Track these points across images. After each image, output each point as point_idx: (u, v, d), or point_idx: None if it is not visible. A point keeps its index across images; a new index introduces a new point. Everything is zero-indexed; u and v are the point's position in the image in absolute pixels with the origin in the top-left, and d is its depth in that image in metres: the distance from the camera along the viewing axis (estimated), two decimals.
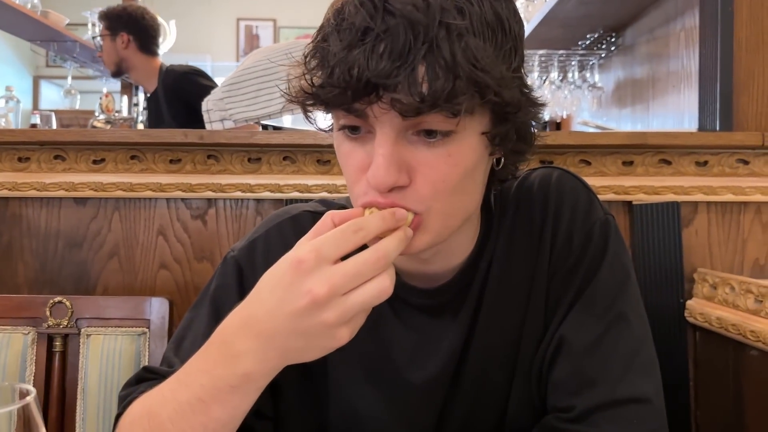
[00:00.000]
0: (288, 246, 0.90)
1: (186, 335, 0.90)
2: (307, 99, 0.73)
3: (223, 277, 0.91)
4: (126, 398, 0.85)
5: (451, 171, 0.73)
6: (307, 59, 0.73)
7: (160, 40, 3.30)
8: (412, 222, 0.74)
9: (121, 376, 1.38)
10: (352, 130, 0.74)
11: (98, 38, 3.23)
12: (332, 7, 0.73)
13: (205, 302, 0.91)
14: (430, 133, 0.71)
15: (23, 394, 0.58)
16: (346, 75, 0.67)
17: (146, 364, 1.37)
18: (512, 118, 0.74)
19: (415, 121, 0.70)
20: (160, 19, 3.38)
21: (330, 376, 0.91)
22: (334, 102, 0.71)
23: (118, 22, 3.08)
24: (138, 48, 3.10)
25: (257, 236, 0.93)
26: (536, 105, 0.79)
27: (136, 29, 3.09)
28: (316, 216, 0.92)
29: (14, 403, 0.56)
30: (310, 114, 0.79)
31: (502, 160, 0.82)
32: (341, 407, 0.91)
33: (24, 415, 0.56)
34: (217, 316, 0.87)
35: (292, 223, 0.93)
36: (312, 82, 0.71)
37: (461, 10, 0.68)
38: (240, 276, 0.90)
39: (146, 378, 0.87)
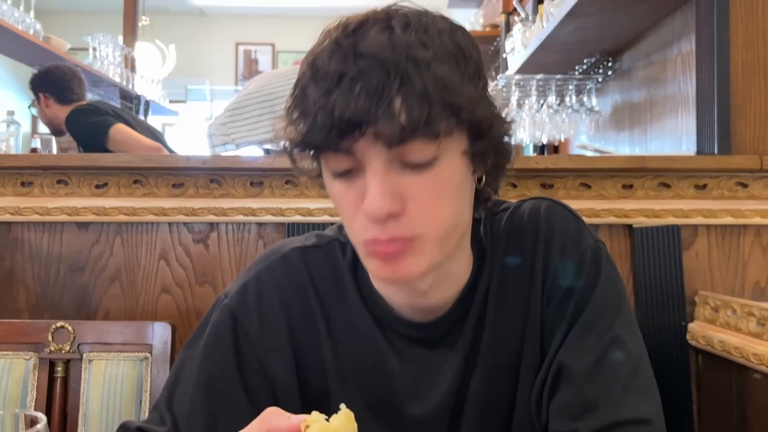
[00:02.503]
0: (279, 286, 0.92)
1: (178, 383, 0.89)
2: (296, 147, 0.76)
3: (217, 326, 0.90)
4: None
5: (441, 194, 0.76)
6: (290, 111, 0.76)
7: (77, 86, 3.30)
8: (403, 247, 0.76)
9: (123, 402, 1.38)
10: (346, 175, 0.76)
11: (32, 107, 3.37)
12: (305, 61, 0.77)
13: (199, 346, 0.91)
14: (416, 165, 0.74)
15: (32, 422, 0.57)
16: (328, 117, 0.70)
17: (149, 393, 1.38)
18: (487, 134, 0.77)
19: (400, 152, 0.72)
20: (79, 67, 3.46)
21: (332, 411, 0.92)
22: (321, 145, 0.74)
23: (34, 86, 3.23)
24: (57, 102, 3.20)
25: (248, 279, 0.93)
26: (505, 122, 0.82)
27: (49, 86, 3.20)
28: (305, 251, 0.94)
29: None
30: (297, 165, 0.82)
31: (484, 178, 0.84)
32: None
33: None
34: (209, 365, 0.88)
35: (282, 262, 0.93)
36: (298, 131, 0.75)
37: (425, 44, 0.72)
38: (234, 324, 0.90)
39: (143, 431, 0.87)
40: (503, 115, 0.83)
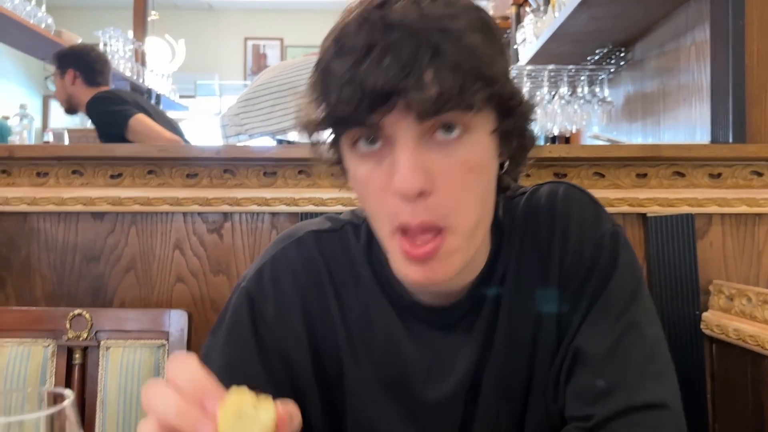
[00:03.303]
0: (294, 271, 0.91)
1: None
2: (320, 124, 0.75)
3: (236, 309, 0.91)
4: None
5: (469, 177, 0.75)
6: (311, 91, 0.76)
7: (107, 72, 3.32)
8: (436, 241, 0.75)
9: (140, 388, 1.38)
10: (370, 143, 0.75)
11: (50, 78, 3.33)
12: (327, 39, 0.75)
13: (221, 332, 0.91)
14: (448, 129, 0.73)
15: (56, 399, 0.56)
16: (357, 89, 0.69)
17: (165, 376, 1.38)
18: (515, 112, 0.77)
19: (431, 126, 0.72)
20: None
21: (347, 394, 0.91)
22: (349, 120, 0.72)
23: (65, 60, 3.18)
24: (84, 82, 3.18)
25: (264, 263, 0.93)
26: (528, 105, 0.82)
27: (81, 65, 3.17)
28: (320, 235, 0.94)
29: (51, 407, 0.55)
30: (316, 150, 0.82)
31: (506, 164, 0.84)
32: (361, 425, 0.91)
33: (60, 421, 0.55)
34: (230, 349, 0.89)
35: (297, 246, 0.93)
36: (321, 109, 0.74)
37: (455, 16, 0.71)
38: (251, 307, 0.90)
39: None
40: (526, 99, 0.83)
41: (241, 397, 0.57)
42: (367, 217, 0.83)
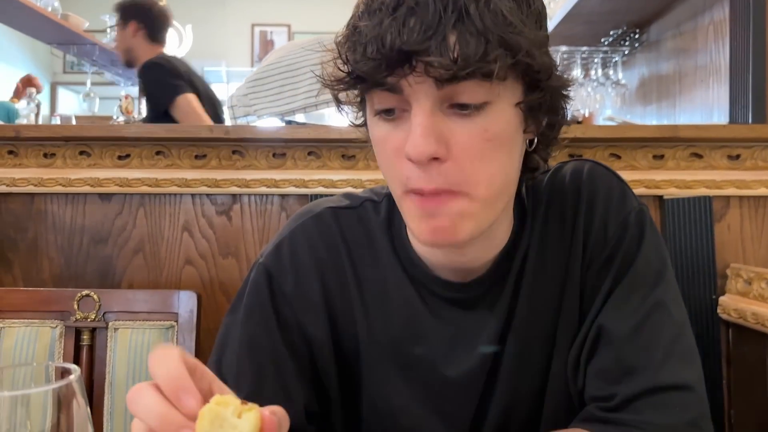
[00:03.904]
0: (313, 246, 0.91)
1: (225, 347, 0.90)
2: (343, 80, 0.74)
3: (255, 285, 0.92)
4: None
5: (489, 144, 0.74)
6: (339, 46, 0.74)
7: (167, 30, 3.26)
8: (444, 200, 0.74)
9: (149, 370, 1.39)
10: (387, 113, 0.75)
11: (111, 28, 3.29)
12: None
13: (240, 309, 0.92)
14: (463, 107, 0.72)
15: (63, 373, 0.56)
16: (380, 46, 0.68)
17: None
18: (544, 85, 0.75)
19: (450, 92, 0.71)
20: (170, 14, 3.40)
21: (363, 370, 0.92)
22: (369, 77, 0.71)
23: (128, 11, 3.13)
24: (146, 36, 3.12)
25: (282, 238, 0.94)
26: (564, 81, 0.80)
27: (144, 18, 3.11)
28: (338, 212, 0.94)
29: (57, 381, 0.55)
30: (342, 106, 0.81)
31: (535, 141, 0.83)
32: (375, 402, 0.91)
33: (66, 396, 0.55)
34: (251, 324, 0.89)
35: (316, 222, 0.94)
36: (347, 61, 0.73)
37: None
38: (270, 282, 0.91)
39: None
40: (564, 77, 0.80)
41: (222, 403, 0.55)
42: (386, 180, 0.83)
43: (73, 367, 0.56)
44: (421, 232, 0.78)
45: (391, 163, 0.77)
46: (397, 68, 0.69)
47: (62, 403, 0.54)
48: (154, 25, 3.15)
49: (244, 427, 0.54)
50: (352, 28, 0.73)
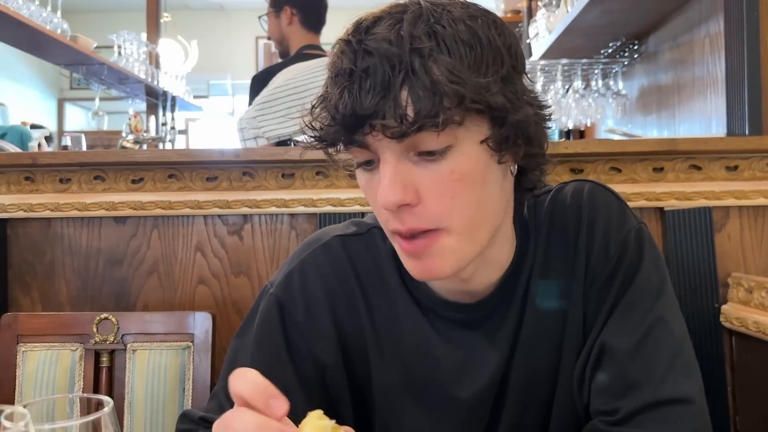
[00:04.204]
0: (323, 275, 0.92)
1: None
2: (316, 141, 0.78)
3: (266, 315, 0.92)
4: None
5: (458, 186, 0.75)
6: (314, 108, 0.78)
7: (323, 17, 2.93)
8: (425, 241, 0.76)
9: (167, 390, 1.41)
10: (367, 164, 0.77)
11: (263, 17, 3.00)
12: (331, 57, 0.78)
13: (250, 334, 0.92)
14: (428, 153, 0.74)
15: (98, 405, 0.58)
16: (340, 112, 0.72)
17: (191, 381, 1.40)
18: (507, 121, 0.76)
19: (411, 142, 0.73)
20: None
21: (375, 395, 0.92)
22: (336, 139, 0.75)
23: None
24: (301, 22, 2.85)
25: (292, 268, 0.94)
26: (537, 106, 0.81)
27: (299, 3, 2.84)
28: (346, 240, 0.95)
29: (92, 413, 0.56)
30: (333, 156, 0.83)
31: (517, 168, 0.84)
32: (389, 426, 0.92)
33: (99, 427, 0.56)
34: (261, 354, 0.90)
35: (325, 251, 0.94)
36: (320, 125, 0.76)
37: (432, 34, 0.72)
38: (281, 312, 0.91)
39: (207, 422, 0.88)
40: (537, 100, 0.81)
41: (322, 422, 0.61)
42: None
43: (106, 399, 0.57)
44: (410, 270, 0.81)
45: (375, 207, 0.80)
46: (358, 131, 0.72)
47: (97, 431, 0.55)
48: (310, 9, 2.88)
49: None
50: (324, 91, 0.77)
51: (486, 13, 0.78)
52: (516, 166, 0.83)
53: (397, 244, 0.80)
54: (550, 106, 0.85)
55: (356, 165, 0.79)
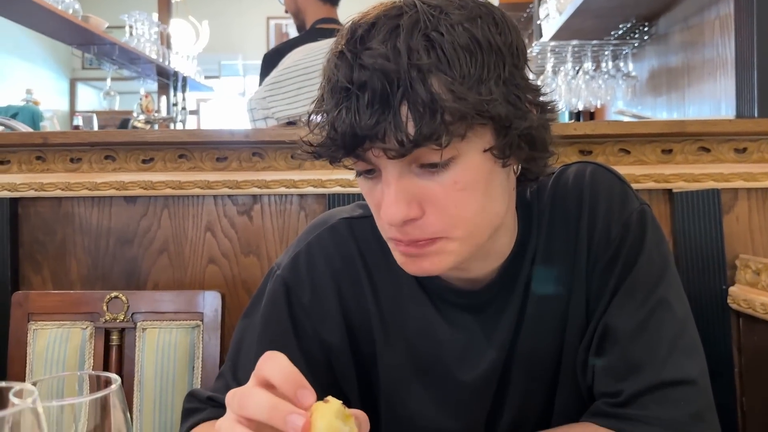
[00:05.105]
0: (328, 257, 0.92)
1: (240, 352, 0.92)
2: (314, 155, 0.76)
3: (272, 296, 0.92)
4: (194, 414, 0.90)
5: (462, 196, 0.74)
6: (310, 118, 0.77)
7: None
8: (424, 245, 0.76)
9: (176, 368, 1.42)
10: (368, 173, 0.76)
11: None
12: (326, 59, 0.76)
13: (257, 315, 0.93)
14: (431, 166, 0.72)
15: (106, 382, 0.58)
16: (339, 131, 0.70)
17: (200, 359, 1.41)
18: (511, 128, 0.74)
19: (413, 157, 0.71)
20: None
21: (381, 378, 0.93)
22: (334, 155, 0.73)
23: None
24: None
25: (299, 251, 0.94)
26: (542, 108, 0.80)
27: None
28: (352, 222, 0.95)
29: (100, 390, 0.57)
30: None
31: (521, 167, 0.83)
32: (394, 406, 0.92)
33: (107, 404, 0.57)
34: (268, 334, 0.90)
35: (331, 233, 0.94)
36: (318, 138, 0.75)
37: (431, 46, 0.69)
38: (287, 294, 0.92)
39: (214, 402, 0.90)
40: (540, 101, 0.80)
41: (336, 406, 0.61)
42: None
43: (114, 377, 0.58)
44: (402, 266, 0.80)
45: (376, 215, 0.79)
46: (356, 149, 0.70)
47: (105, 410, 0.56)
48: None
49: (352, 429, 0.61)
50: (321, 97, 0.75)
51: (485, 9, 0.75)
52: (520, 165, 0.82)
53: (393, 247, 0.79)
54: (554, 101, 0.84)
55: (357, 173, 0.78)
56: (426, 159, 0.72)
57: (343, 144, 0.71)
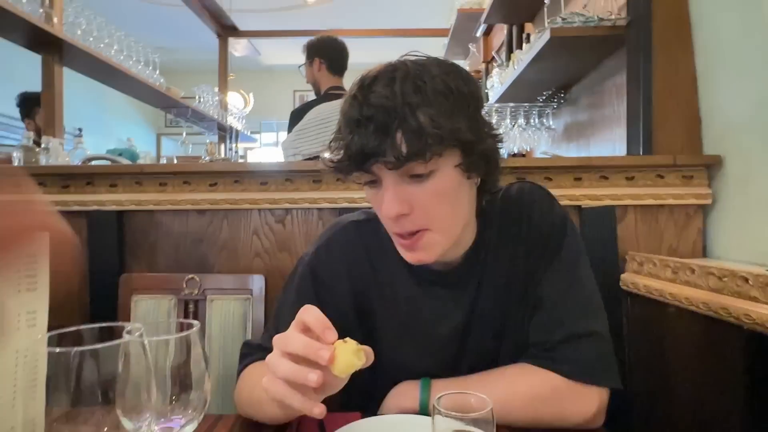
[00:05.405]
0: (342, 250, 0.92)
1: (280, 318, 0.90)
2: (333, 170, 0.77)
3: (302, 276, 0.92)
4: (247, 357, 0.89)
5: (439, 200, 0.75)
6: (332, 143, 0.77)
7: (345, 62, 2.78)
8: (416, 238, 0.76)
9: (233, 328, 1.41)
10: (372, 183, 0.77)
11: (302, 66, 2.84)
12: (342, 103, 0.77)
13: (291, 290, 0.92)
14: (418, 177, 0.73)
15: (188, 326, 0.58)
16: (350, 152, 0.71)
17: (252, 321, 1.40)
18: (474, 151, 0.75)
19: (405, 169, 0.72)
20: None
21: (379, 335, 0.92)
22: (348, 170, 0.74)
23: (312, 50, 2.74)
24: (328, 69, 2.71)
25: (320, 244, 0.94)
26: (493, 137, 0.80)
27: (326, 53, 2.71)
28: (359, 225, 0.94)
29: (181, 332, 0.57)
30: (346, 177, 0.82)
31: (480, 181, 0.83)
32: (389, 354, 0.91)
33: (190, 341, 0.57)
34: (299, 303, 0.89)
35: (344, 232, 0.94)
36: (336, 158, 0.75)
37: (417, 90, 0.70)
38: (313, 275, 0.91)
39: (262, 348, 0.89)
40: (493, 132, 0.80)
41: (353, 345, 0.63)
42: None
43: (195, 322, 0.59)
44: (405, 257, 0.81)
45: (380, 214, 0.79)
46: (365, 162, 0.71)
47: (188, 345, 0.57)
48: (335, 58, 2.73)
49: (361, 356, 0.62)
50: (338, 129, 0.75)
51: (455, 68, 0.76)
52: (479, 179, 0.83)
53: (396, 241, 0.80)
54: (502, 134, 0.85)
55: (363, 183, 0.78)
56: (414, 171, 0.73)
57: (355, 161, 0.71)
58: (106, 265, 1.58)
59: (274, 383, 0.63)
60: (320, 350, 0.61)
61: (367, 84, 0.73)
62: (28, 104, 2.85)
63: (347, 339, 0.63)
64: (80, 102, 4.53)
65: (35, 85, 2.27)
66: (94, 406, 0.45)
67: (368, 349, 0.66)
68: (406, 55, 0.77)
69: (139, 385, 0.48)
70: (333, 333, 0.63)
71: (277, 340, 0.65)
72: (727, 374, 1.00)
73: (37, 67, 2.20)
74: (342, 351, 0.61)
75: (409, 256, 0.80)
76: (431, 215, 0.76)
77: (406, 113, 0.69)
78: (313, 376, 0.60)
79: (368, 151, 0.70)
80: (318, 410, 0.61)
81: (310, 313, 0.65)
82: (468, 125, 0.74)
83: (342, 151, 0.73)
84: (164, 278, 1.47)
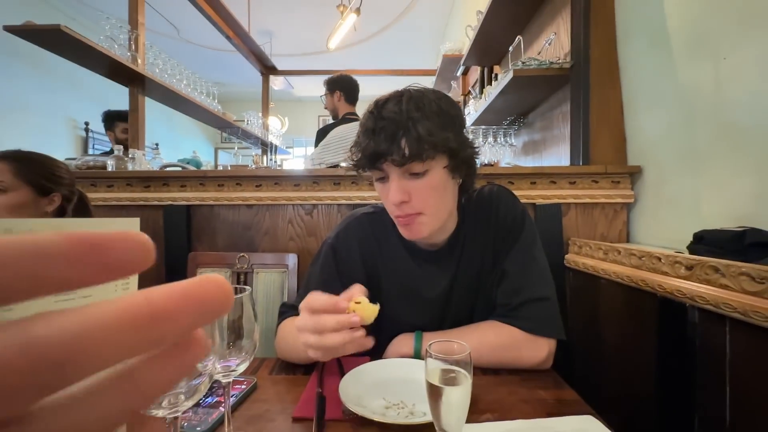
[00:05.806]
0: (356, 233, 0.92)
1: (308, 284, 0.90)
2: (354, 166, 0.78)
3: (325, 255, 0.92)
4: (284, 314, 0.89)
5: (431, 192, 0.76)
6: (353, 148, 0.78)
7: (357, 94, 2.75)
8: (412, 218, 0.76)
9: (274, 294, 1.41)
10: (381, 179, 0.77)
11: (323, 96, 2.80)
12: (361, 119, 0.78)
13: (317, 265, 0.91)
14: (416, 174, 0.74)
15: (242, 290, 0.57)
16: (366, 152, 0.72)
17: (287, 289, 1.40)
18: (458, 156, 0.76)
19: (407, 168, 0.72)
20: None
21: (384, 299, 0.91)
22: (364, 166, 0.75)
23: (333, 84, 2.72)
24: (345, 100, 2.70)
25: (339, 230, 0.94)
26: (472, 148, 0.81)
27: (345, 88, 2.71)
28: (369, 216, 0.94)
29: (236, 295, 0.56)
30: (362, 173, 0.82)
31: (461, 181, 0.84)
32: (389, 314, 0.91)
33: (241, 303, 0.56)
34: (323, 275, 0.89)
35: (357, 222, 0.94)
36: (357, 157, 0.76)
37: (418, 108, 0.71)
38: (335, 253, 0.91)
39: (294, 308, 0.89)
40: (472, 145, 0.81)
41: (363, 298, 0.62)
42: None
43: (247, 288, 0.58)
44: (403, 233, 0.81)
45: (386, 203, 0.80)
46: (378, 161, 0.72)
47: (242, 305, 0.56)
48: (352, 91, 2.72)
49: (373, 308, 0.61)
50: (357, 138, 0.77)
51: (445, 96, 0.78)
52: (461, 180, 0.83)
53: (398, 222, 0.80)
54: (478, 147, 0.86)
55: (374, 179, 0.79)
56: (413, 169, 0.73)
57: (370, 159, 0.72)
58: (178, 245, 1.59)
59: (329, 337, 0.61)
60: (338, 303, 0.61)
61: (381, 103, 0.75)
62: (110, 120, 2.88)
63: (360, 299, 0.63)
64: (157, 123, 4.53)
65: (118, 107, 2.26)
66: None
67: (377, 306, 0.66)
68: (409, 85, 0.78)
69: (206, 333, 0.48)
70: (344, 303, 0.63)
71: (303, 303, 0.65)
72: (644, 330, 1.00)
73: (123, 96, 2.20)
74: (360, 307, 0.62)
75: (406, 233, 0.80)
76: (425, 203, 0.77)
77: (409, 125, 0.71)
78: (355, 318, 0.60)
79: (380, 152, 0.71)
80: (370, 343, 0.62)
81: (315, 298, 0.64)
82: (454, 137, 0.75)
83: (360, 153, 0.74)
84: (221, 256, 1.47)
